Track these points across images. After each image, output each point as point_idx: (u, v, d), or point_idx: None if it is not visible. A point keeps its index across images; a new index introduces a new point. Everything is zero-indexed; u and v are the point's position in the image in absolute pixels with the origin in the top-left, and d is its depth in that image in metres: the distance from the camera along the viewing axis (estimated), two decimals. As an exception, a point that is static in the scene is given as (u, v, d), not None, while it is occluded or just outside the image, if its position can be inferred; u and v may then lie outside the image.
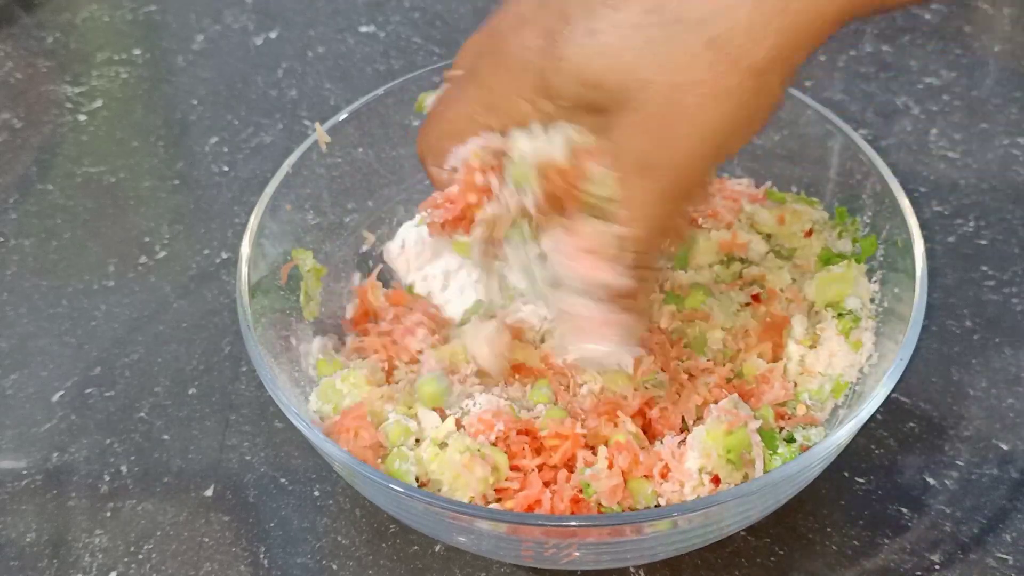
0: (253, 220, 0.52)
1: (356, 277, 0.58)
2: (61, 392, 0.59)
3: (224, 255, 0.65)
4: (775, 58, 0.38)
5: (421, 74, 0.58)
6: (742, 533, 0.51)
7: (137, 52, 0.78)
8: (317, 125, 0.55)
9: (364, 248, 0.59)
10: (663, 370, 0.51)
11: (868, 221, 0.55)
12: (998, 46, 0.75)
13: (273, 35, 0.79)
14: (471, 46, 0.45)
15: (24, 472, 0.55)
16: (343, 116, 0.57)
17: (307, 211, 0.56)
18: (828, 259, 0.56)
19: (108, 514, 0.54)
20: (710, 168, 0.41)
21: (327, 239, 0.57)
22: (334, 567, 0.52)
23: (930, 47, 0.75)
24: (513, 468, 0.48)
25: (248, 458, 0.56)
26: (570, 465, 0.49)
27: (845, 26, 0.39)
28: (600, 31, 0.39)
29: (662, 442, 0.49)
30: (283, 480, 0.55)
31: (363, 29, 0.79)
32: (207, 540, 0.53)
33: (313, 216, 0.56)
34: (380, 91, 0.57)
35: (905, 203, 0.52)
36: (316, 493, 0.54)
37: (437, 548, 0.52)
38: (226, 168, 0.70)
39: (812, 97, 0.56)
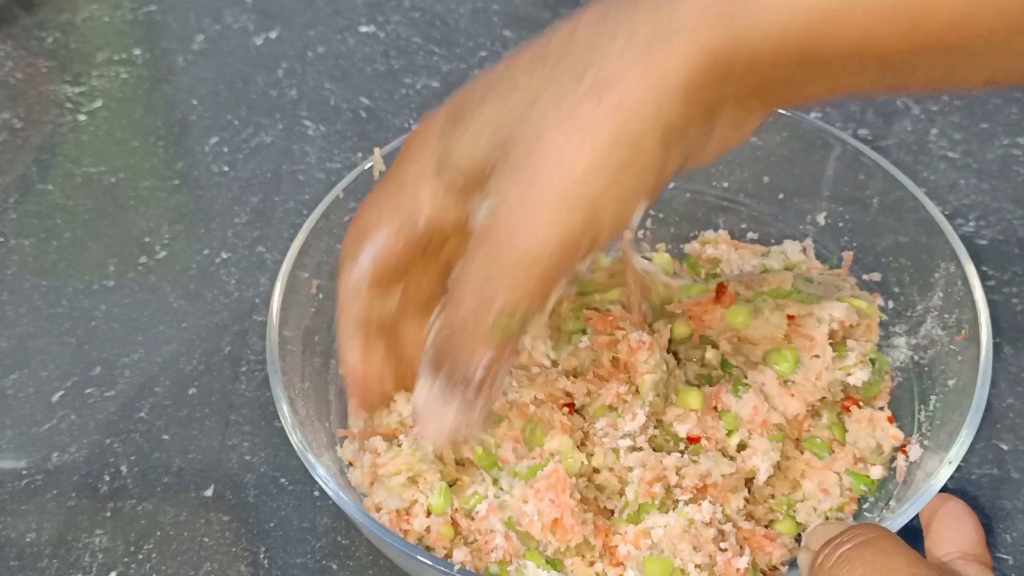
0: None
1: None
2: (61, 392, 0.59)
3: (224, 255, 0.65)
4: (643, 106, 0.36)
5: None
6: None
7: (137, 52, 0.78)
8: (376, 151, 0.54)
9: None
10: None
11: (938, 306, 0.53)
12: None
13: (273, 35, 0.79)
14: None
15: (24, 472, 0.56)
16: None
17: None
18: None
19: (108, 514, 0.54)
20: (585, 228, 0.37)
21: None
22: (334, 567, 0.52)
23: (930, 47, 0.75)
24: None
25: (248, 458, 0.56)
26: None
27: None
28: (490, 95, 0.40)
29: None
30: (283, 480, 0.55)
31: (363, 29, 0.79)
32: (207, 540, 0.53)
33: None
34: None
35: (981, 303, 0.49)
36: (316, 493, 0.54)
37: (437, 548, 0.52)
38: (226, 168, 0.70)
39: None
